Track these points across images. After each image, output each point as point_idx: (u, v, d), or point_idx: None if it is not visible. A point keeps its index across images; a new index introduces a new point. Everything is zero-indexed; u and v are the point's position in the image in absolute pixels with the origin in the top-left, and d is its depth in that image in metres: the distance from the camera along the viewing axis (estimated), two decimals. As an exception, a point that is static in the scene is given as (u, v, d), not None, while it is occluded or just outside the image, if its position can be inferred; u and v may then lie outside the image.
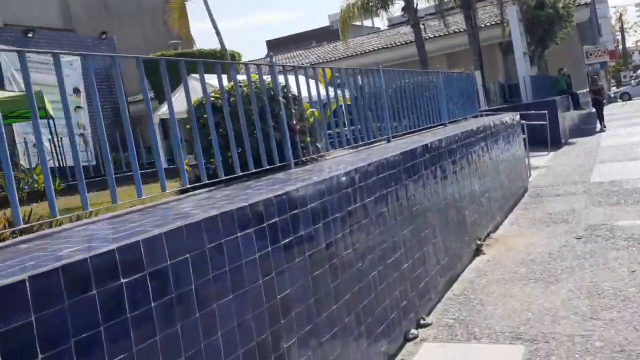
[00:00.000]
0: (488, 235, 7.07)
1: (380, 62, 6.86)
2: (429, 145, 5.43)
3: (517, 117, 10.21)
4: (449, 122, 8.41)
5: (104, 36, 20.39)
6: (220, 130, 3.92)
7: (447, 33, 26.09)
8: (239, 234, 2.70)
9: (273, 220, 2.97)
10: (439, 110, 8.07)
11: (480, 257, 6.34)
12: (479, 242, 6.50)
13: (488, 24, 24.60)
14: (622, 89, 50.62)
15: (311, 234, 3.28)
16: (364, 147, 5.81)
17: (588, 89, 26.18)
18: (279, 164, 4.24)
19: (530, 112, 16.81)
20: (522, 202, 9.21)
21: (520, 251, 6.33)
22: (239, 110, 3.89)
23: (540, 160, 14.07)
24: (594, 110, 23.02)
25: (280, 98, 4.33)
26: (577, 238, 6.49)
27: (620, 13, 72.95)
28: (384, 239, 4.19)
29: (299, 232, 3.17)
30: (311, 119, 4.87)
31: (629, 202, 8.00)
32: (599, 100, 21.97)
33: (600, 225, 6.95)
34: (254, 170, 3.96)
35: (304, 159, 4.68)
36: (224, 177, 3.77)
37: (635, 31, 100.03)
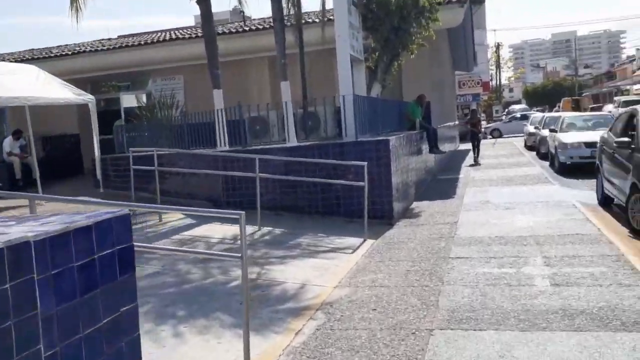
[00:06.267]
0: None
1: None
2: None
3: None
4: None
5: None
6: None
7: (269, 26, 18.35)
8: None
9: None
10: None
11: None
12: None
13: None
14: (492, 124, 45.91)
15: None
16: None
17: (465, 122, 25.10)
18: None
19: (347, 162, 9.21)
20: None
21: None
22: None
23: (335, 267, 6.39)
24: (467, 147, 21.92)
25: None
26: None
27: (499, 44, 69.97)
28: None
29: None
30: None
31: None
32: (476, 134, 20.56)
33: None
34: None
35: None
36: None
37: (509, 67, 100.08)
